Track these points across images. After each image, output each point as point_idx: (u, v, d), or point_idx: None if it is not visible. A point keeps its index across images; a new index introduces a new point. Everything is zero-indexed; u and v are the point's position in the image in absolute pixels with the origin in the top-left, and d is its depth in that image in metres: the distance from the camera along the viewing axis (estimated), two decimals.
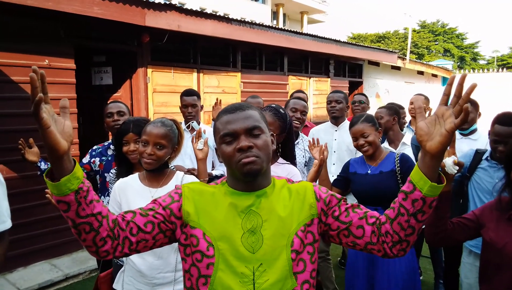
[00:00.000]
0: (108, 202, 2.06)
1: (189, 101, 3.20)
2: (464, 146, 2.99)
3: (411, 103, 4.14)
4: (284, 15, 33.50)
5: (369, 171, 2.46)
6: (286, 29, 6.79)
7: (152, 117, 4.90)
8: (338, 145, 3.39)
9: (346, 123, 3.44)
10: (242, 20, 5.69)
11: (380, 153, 2.49)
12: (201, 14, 4.97)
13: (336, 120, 3.45)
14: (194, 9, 4.97)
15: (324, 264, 3.30)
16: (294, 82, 7.37)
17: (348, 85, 9.02)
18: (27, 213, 3.78)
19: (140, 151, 1.79)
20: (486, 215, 1.60)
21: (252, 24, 5.89)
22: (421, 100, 3.66)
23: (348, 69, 9.15)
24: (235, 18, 5.58)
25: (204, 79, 5.61)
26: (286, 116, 2.03)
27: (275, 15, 32.58)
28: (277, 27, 6.56)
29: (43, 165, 2.55)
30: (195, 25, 4.94)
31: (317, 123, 7.08)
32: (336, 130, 3.46)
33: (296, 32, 6.92)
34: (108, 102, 2.64)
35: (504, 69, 18.04)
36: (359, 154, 2.73)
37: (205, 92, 5.64)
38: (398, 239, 1.07)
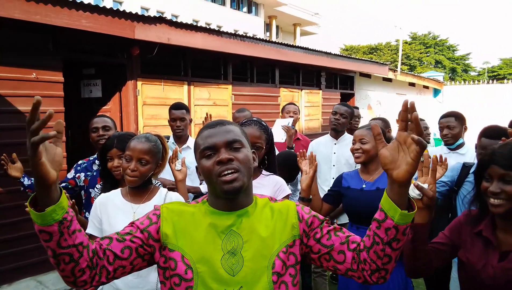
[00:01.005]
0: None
1: (178, 114, 3.17)
2: (452, 161, 2.97)
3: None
4: (277, 27, 33.91)
5: (364, 186, 2.35)
6: (277, 41, 6.83)
7: (142, 130, 4.86)
8: (337, 158, 3.34)
9: (345, 136, 3.41)
10: (233, 32, 5.71)
11: (377, 168, 2.39)
12: (191, 27, 4.98)
13: (336, 132, 3.42)
14: (184, 21, 4.98)
15: (320, 279, 3.25)
16: (285, 94, 7.39)
17: (340, 97, 9.06)
18: (13, 229, 3.70)
19: (123, 167, 1.76)
20: (458, 234, 1.52)
21: (243, 36, 5.92)
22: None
23: (339, 81, 9.20)
24: (225, 30, 5.59)
25: (195, 91, 5.60)
26: (268, 128, 2.05)
27: (268, 27, 32.99)
28: (268, 39, 6.60)
29: (26, 181, 2.49)
30: (185, 38, 4.94)
31: (308, 135, 7.11)
32: (335, 144, 3.41)
33: (287, 45, 6.96)
34: (94, 117, 2.60)
35: (495, 80, 18.27)
36: (359, 167, 2.69)
37: (196, 105, 5.62)
38: (376, 268, 1.05)
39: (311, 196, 1.95)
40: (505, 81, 16.72)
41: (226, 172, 1.06)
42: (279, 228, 1.12)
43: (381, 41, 37.72)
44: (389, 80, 11.65)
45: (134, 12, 4.42)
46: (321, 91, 8.39)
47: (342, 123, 3.35)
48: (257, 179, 1.96)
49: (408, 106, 0.96)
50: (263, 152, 1.97)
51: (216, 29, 5.43)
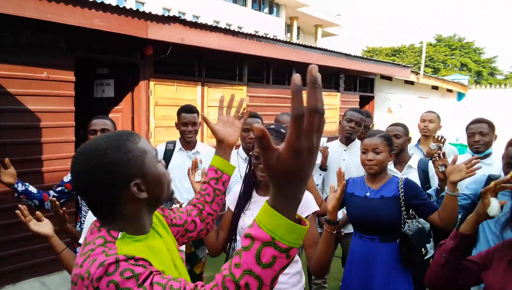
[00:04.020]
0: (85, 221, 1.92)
1: (190, 118, 3.03)
2: (478, 171, 2.78)
3: (423, 120, 3.91)
4: (298, 28, 33.72)
5: (368, 194, 2.25)
6: (294, 42, 6.68)
7: (154, 131, 4.80)
8: (346, 165, 3.19)
9: (356, 143, 3.27)
10: (249, 33, 5.59)
11: (384, 176, 2.28)
12: (205, 26, 4.89)
13: (347, 139, 3.27)
14: (198, 21, 4.90)
15: None
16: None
17: (358, 100, 8.82)
18: (17, 229, 3.67)
19: None
20: (492, 256, 1.44)
21: (259, 37, 5.79)
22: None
23: (359, 83, 8.97)
24: (241, 31, 5.47)
25: (209, 92, 5.51)
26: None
27: (289, 28, 32.82)
28: (285, 40, 6.45)
29: (20, 187, 2.37)
30: (199, 38, 4.85)
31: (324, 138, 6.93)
32: (345, 150, 3.28)
33: (304, 46, 6.79)
34: (93, 118, 2.51)
35: None
36: None
37: (209, 106, 5.53)
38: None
39: (338, 219, 1.77)
40: None
41: None
42: (165, 232, 1.20)
43: (405, 43, 36.98)
44: (411, 83, 11.31)
45: (147, 12, 4.36)
46: (339, 93, 8.19)
47: (357, 131, 3.20)
48: None
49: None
50: None
51: (232, 29, 5.31)
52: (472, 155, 3.00)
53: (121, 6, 4.10)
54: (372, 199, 2.22)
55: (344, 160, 3.20)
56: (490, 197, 1.47)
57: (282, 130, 1.75)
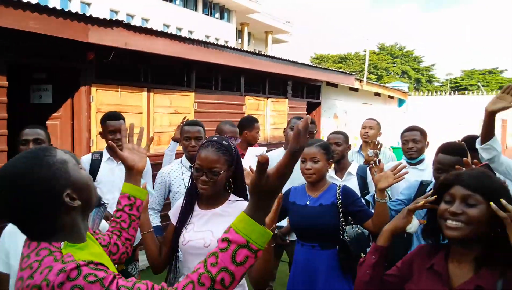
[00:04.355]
0: None
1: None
2: (412, 177, 2.93)
3: (363, 127, 4.08)
4: (249, 34, 34.02)
5: (308, 202, 2.30)
6: (242, 49, 6.73)
7: (95, 139, 4.61)
8: (293, 174, 3.23)
9: None
10: (196, 39, 5.56)
11: (323, 184, 2.36)
12: (150, 31, 4.79)
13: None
14: (143, 26, 4.80)
15: None
16: (251, 103, 7.29)
17: (306, 106, 9.06)
18: None
19: None
20: (409, 267, 1.42)
21: (206, 43, 5.77)
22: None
23: (306, 90, 9.21)
24: (189, 36, 5.42)
25: (155, 98, 5.40)
26: (231, 147, 1.77)
27: (240, 33, 33.01)
28: (233, 47, 6.49)
29: None
30: (145, 43, 4.75)
31: (274, 144, 7.03)
32: None
33: (252, 53, 6.88)
34: (25, 127, 2.36)
35: (456, 92, 18.97)
36: None
37: (156, 112, 5.42)
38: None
39: (277, 231, 1.77)
40: (466, 92, 17.36)
41: None
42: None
43: (350, 51, 38.53)
44: (356, 89, 11.80)
45: (88, 15, 4.19)
46: (287, 99, 8.36)
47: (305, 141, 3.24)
48: (223, 205, 1.75)
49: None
50: (225, 176, 1.71)
51: (179, 34, 5.25)
52: (407, 162, 3.19)
53: (59, 9, 3.91)
54: (312, 207, 2.27)
55: None
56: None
57: (224, 142, 1.73)
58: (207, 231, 1.67)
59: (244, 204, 1.80)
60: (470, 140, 3.89)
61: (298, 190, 2.42)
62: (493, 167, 2.29)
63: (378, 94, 13.49)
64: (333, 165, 3.20)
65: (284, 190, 3.16)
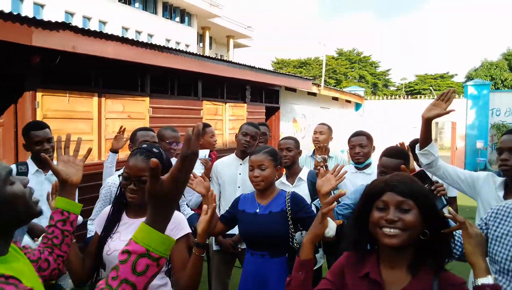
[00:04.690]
0: None
1: (43, 135, 2.78)
2: (359, 181, 3.00)
3: (315, 132, 4.15)
4: (211, 38, 33.88)
5: (257, 210, 2.28)
6: (199, 54, 6.68)
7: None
8: (242, 180, 3.16)
9: None
10: (149, 42, 5.45)
11: (272, 191, 2.33)
12: (100, 34, 4.64)
13: (243, 153, 3.25)
14: (100, 29, 4.65)
15: None
16: (208, 107, 7.24)
17: (264, 110, 9.12)
18: None
19: None
20: (341, 278, 1.36)
21: (161, 47, 5.67)
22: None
23: (265, 94, 9.27)
24: (146, 40, 5.30)
25: (107, 104, 5.23)
26: (162, 154, 1.75)
27: (201, 37, 32.80)
28: (189, 51, 6.42)
29: None
30: (94, 46, 4.59)
31: (232, 149, 7.00)
32: (241, 164, 3.24)
33: (210, 58, 6.84)
34: None
35: (409, 96, 19.78)
36: None
37: (108, 118, 5.25)
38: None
39: (207, 241, 1.74)
40: (418, 96, 18.13)
41: None
42: None
43: (310, 56, 39.32)
44: (314, 94, 12.03)
45: (31, 17, 4.00)
46: (246, 104, 8.38)
47: (252, 144, 3.24)
48: None
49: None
50: None
51: (137, 38, 5.13)
52: (355, 166, 3.27)
53: None
54: (261, 215, 2.25)
55: (240, 174, 3.20)
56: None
57: (154, 149, 1.71)
58: None
59: (176, 214, 1.77)
60: (415, 144, 4.08)
61: (248, 198, 2.39)
62: (431, 172, 2.38)
63: (336, 99, 13.82)
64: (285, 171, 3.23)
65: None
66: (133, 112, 5.63)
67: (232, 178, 3.18)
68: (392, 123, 15.63)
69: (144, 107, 5.82)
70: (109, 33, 4.82)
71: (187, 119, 6.60)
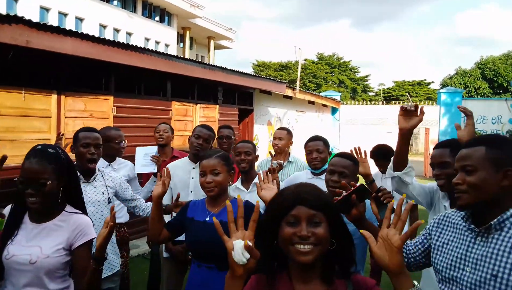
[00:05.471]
0: None
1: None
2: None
3: (274, 137, 4.01)
4: (191, 38, 33.59)
5: (207, 219, 2.12)
6: (167, 53, 6.53)
7: None
8: (195, 183, 2.97)
9: None
10: (113, 40, 5.28)
11: (225, 198, 2.16)
12: (58, 30, 4.46)
13: (195, 157, 3.08)
14: (75, 25, 4.47)
15: None
16: (178, 108, 7.09)
17: (237, 112, 9.02)
18: None
19: None
20: None
21: (126, 45, 5.51)
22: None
23: (238, 96, 9.18)
24: (103, 37, 5.12)
25: (67, 102, 5.04)
26: (59, 155, 1.66)
27: (182, 38, 32.49)
28: (157, 50, 6.27)
29: None
30: (50, 42, 4.40)
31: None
32: (194, 168, 3.07)
33: (178, 57, 6.70)
34: None
35: (384, 102, 20.07)
36: None
37: (68, 117, 5.05)
38: None
39: (107, 254, 1.63)
40: (393, 102, 18.41)
41: None
42: None
43: (291, 59, 39.47)
44: (290, 97, 12.01)
45: None
46: (218, 106, 8.26)
47: (205, 147, 3.11)
48: (57, 218, 1.65)
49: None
50: (55, 186, 1.62)
51: (92, 34, 4.94)
52: (312, 172, 3.18)
53: None
54: (211, 224, 2.05)
55: (193, 178, 3.05)
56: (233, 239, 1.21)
57: (49, 150, 1.64)
58: (35, 246, 1.57)
59: (81, 218, 1.70)
60: (379, 150, 4.05)
61: (198, 205, 2.23)
62: (406, 190, 2.25)
63: (312, 102, 13.85)
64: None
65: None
66: (95, 111, 5.44)
67: (184, 182, 3.04)
68: (368, 128, 15.80)
69: (107, 106, 5.63)
70: (67, 28, 4.64)
71: (155, 120, 6.43)
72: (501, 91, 28.71)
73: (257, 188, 2.04)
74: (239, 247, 1.14)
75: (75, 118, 5.14)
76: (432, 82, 41.42)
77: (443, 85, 29.64)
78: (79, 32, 4.74)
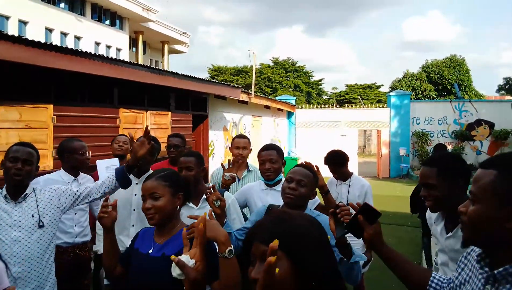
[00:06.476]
0: None
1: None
2: (269, 199, 2.75)
3: (238, 147, 3.76)
4: (144, 43, 32.73)
5: (150, 251, 1.80)
6: (113, 58, 6.18)
7: None
8: (138, 201, 2.61)
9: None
10: (50, 43, 4.88)
11: (174, 225, 1.84)
12: None
13: (138, 171, 2.76)
14: (21, 30, 4.04)
15: None
16: (126, 115, 6.74)
17: (191, 119, 8.77)
18: None
19: None
20: None
21: (63, 49, 5.10)
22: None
23: (191, 102, 8.92)
24: (36, 40, 4.71)
25: None
26: None
27: (135, 42, 31.55)
28: (102, 55, 5.90)
29: None
30: None
31: (156, 160, 6.56)
32: (137, 183, 2.75)
33: (125, 62, 6.36)
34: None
35: (337, 105, 20.53)
36: None
37: (0, 128, 4.60)
38: None
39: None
40: (346, 105, 18.87)
41: None
42: None
43: (247, 64, 39.55)
44: (245, 102, 11.90)
45: None
46: (170, 112, 7.97)
47: (149, 161, 2.87)
48: None
49: None
50: None
51: (24, 37, 4.54)
52: (265, 183, 3.00)
53: None
54: (153, 257, 1.77)
55: (135, 195, 2.76)
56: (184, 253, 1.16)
57: None
58: None
59: None
60: (332, 157, 3.98)
61: (147, 234, 1.91)
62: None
63: (268, 107, 13.83)
64: None
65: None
66: (32, 121, 5.01)
67: (126, 199, 2.72)
68: (322, 131, 16.04)
69: (46, 115, 5.21)
70: (9, 33, 4.21)
71: (101, 128, 6.06)
72: (445, 93, 30.34)
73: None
74: (174, 263, 1.17)
75: (8, 129, 4.69)
76: (382, 85, 43.11)
77: (392, 88, 30.85)
78: (7, 34, 4.31)
